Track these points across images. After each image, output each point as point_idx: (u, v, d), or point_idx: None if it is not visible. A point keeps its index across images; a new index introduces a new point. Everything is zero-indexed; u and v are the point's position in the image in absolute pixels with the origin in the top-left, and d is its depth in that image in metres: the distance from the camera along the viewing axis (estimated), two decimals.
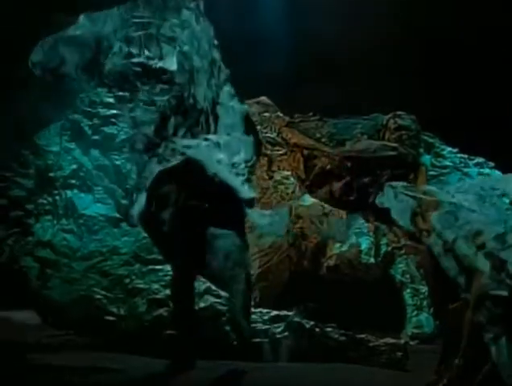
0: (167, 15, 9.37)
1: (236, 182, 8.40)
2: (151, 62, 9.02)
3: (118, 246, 10.23)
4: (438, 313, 7.77)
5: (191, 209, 8.45)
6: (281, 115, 12.38)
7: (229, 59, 9.46)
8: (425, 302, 11.29)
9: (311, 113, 11.55)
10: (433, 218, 7.23)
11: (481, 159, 11.90)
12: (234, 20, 12.46)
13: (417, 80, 11.55)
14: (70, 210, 10.40)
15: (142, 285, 9.83)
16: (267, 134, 12.20)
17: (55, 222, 10.39)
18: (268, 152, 12.00)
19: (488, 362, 6.88)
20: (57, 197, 10.51)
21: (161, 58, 8.98)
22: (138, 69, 9.06)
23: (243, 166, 8.52)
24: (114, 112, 10.47)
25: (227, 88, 9.12)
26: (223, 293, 9.48)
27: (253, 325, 9.44)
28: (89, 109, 10.79)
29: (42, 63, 9.77)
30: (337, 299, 10.47)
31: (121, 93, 9.54)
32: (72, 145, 10.71)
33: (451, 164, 11.84)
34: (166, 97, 8.82)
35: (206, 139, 8.59)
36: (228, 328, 9.34)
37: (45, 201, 10.52)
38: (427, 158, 11.64)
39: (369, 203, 10.13)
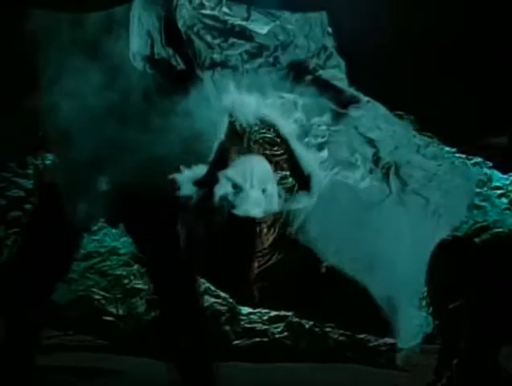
0: None
1: None
2: (227, 17, 8.27)
3: (117, 246, 10.22)
4: (437, 312, 7.76)
5: None
6: None
7: None
8: (424, 302, 11.25)
9: None
10: None
11: (479, 159, 11.88)
12: None
13: (415, 80, 11.54)
14: None
15: (140, 286, 9.82)
16: (265, 134, 12.18)
17: None
18: (267, 152, 11.96)
19: (488, 362, 6.88)
20: None
21: (246, 19, 8.19)
22: (209, 22, 8.19)
23: (325, 127, 7.20)
24: None
25: (330, 70, 8.21)
26: (222, 294, 9.47)
27: (252, 325, 9.44)
28: None
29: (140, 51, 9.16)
30: (336, 299, 10.44)
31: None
32: None
33: None
34: (238, 51, 7.93)
35: (281, 97, 7.45)
36: (228, 328, 9.34)
37: None
38: None
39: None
